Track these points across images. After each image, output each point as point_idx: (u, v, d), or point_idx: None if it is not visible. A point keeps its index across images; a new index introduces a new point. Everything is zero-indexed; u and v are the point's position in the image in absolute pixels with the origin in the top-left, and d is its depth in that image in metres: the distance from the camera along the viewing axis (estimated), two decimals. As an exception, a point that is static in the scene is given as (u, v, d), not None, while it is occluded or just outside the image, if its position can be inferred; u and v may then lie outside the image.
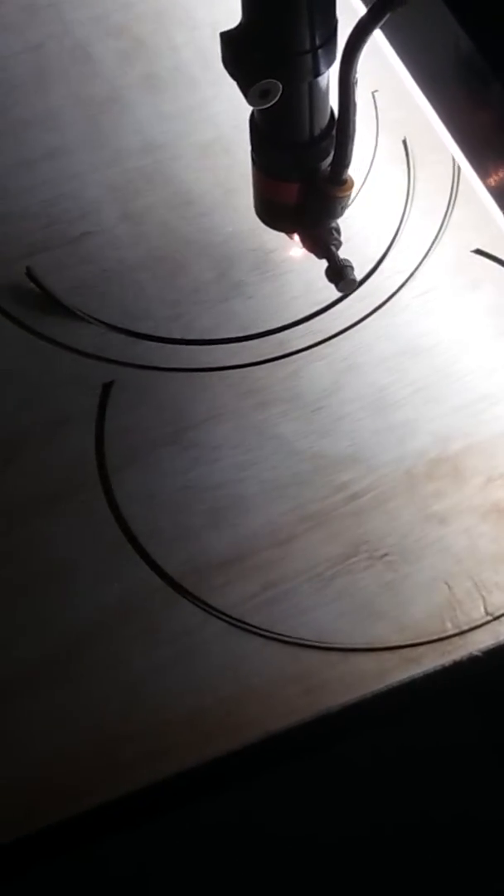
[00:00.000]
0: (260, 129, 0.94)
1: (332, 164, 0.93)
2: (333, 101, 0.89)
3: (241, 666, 0.93)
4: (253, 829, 0.96)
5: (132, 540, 0.98)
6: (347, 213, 1.12)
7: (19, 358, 1.07)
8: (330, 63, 0.86)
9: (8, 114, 1.21)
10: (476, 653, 0.93)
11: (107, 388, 1.05)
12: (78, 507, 0.99)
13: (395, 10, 0.77)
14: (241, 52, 0.84)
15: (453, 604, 0.95)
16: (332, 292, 1.05)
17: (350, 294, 1.08)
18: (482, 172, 0.93)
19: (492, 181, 0.91)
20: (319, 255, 1.00)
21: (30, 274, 1.10)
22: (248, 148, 0.96)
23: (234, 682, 0.92)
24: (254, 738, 0.90)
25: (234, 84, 0.85)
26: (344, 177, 0.94)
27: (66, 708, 0.91)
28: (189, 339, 1.08)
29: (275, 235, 1.06)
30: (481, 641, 0.93)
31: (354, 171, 1.13)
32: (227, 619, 0.94)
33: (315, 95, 0.89)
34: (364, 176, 1.16)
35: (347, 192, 0.96)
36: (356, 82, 0.83)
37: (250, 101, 0.85)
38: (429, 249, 1.12)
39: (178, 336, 1.08)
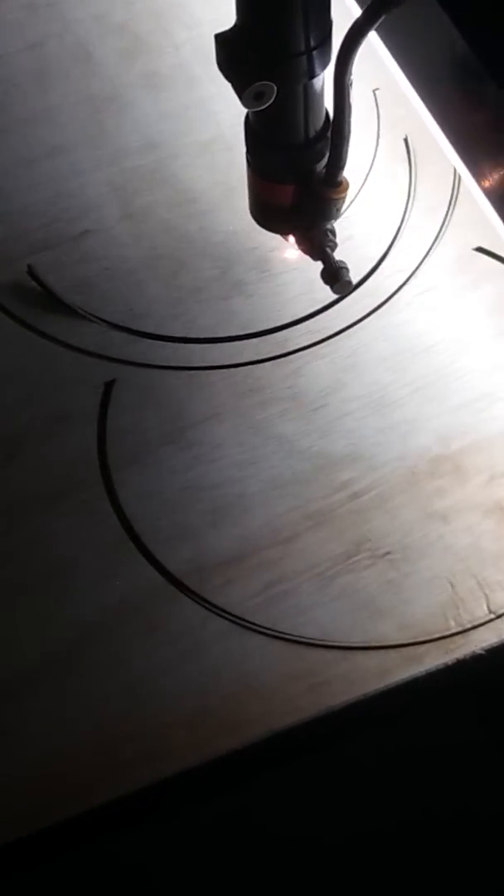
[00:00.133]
0: (255, 131, 0.94)
1: (327, 165, 0.93)
2: (329, 103, 0.89)
3: (243, 664, 0.93)
4: (255, 828, 0.96)
5: (134, 538, 0.97)
6: (349, 211, 1.12)
7: (20, 356, 1.06)
8: (325, 65, 0.86)
9: (8, 112, 1.21)
10: (479, 651, 0.93)
11: (108, 386, 1.04)
12: (79, 506, 0.99)
13: (390, 12, 0.77)
14: (235, 53, 0.84)
15: (456, 602, 0.95)
16: (333, 291, 1.05)
17: (348, 295, 1.08)
18: (477, 174, 0.93)
19: (486, 183, 0.90)
20: (315, 257, 1.00)
21: (31, 272, 1.10)
22: (247, 147, 0.96)
23: (237, 680, 0.92)
24: (256, 737, 0.90)
25: (231, 84, 0.85)
26: (339, 178, 0.94)
27: (67, 707, 0.91)
28: (190, 337, 1.08)
29: (275, 234, 1.06)
30: (484, 640, 0.93)
31: (355, 169, 1.14)
32: (229, 617, 0.94)
33: (310, 97, 0.89)
34: (365, 174, 1.16)
35: (342, 194, 0.96)
36: (351, 84, 0.83)
37: (245, 103, 0.85)
38: (430, 248, 1.12)
39: (179, 334, 1.08)
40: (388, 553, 0.97)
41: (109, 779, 0.89)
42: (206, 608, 0.95)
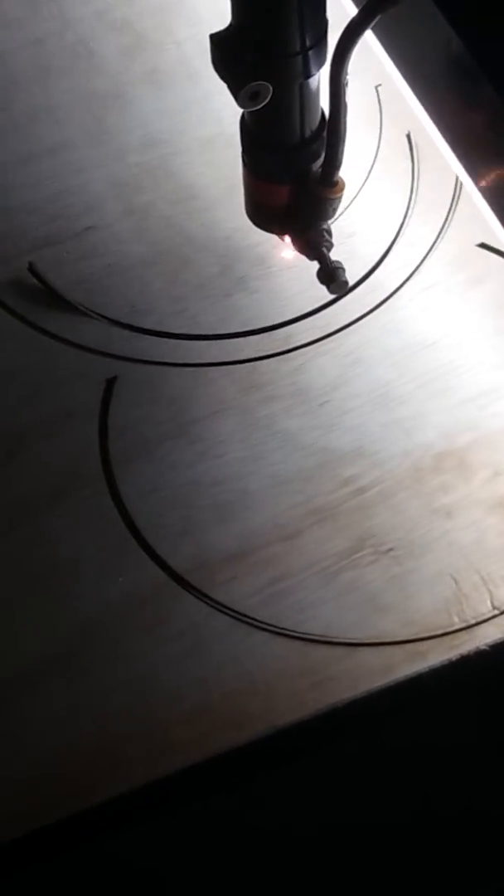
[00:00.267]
0: (250, 131, 0.94)
1: (323, 165, 0.93)
2: (325, 103, 0.88)
3: (246, 661, 0.93)
4: (257, 825, 0.95)
5: (137, 534, 0.97)
6: (351, 207, 1.12)
7: (23, 353, 1.06)
8: (320, 64, 0.86)
9: (10, 109, 1.21)
10: (483, 647, 0.93)
11: (110, 383, 1.04)
12: (81, 503, 0.99)
13: (385, 12, 0.77)
14: (230, 54, 0.84)
15: (460, 598, 0.94)
16: (337, 286, 1.05)
17: (345, 295, 1.07)
18: (473, 173, 0.93)
19: (483, 182, 0.90)
20: (311, 257, 1.00)
21: (32, 269, 1.09)
22: (250, 144, 0.96)
23: (239, 677, 0.92)
24: (260, 733, 0.90)
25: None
26: (335, 178, 0.94)
27: (70, 703, 0.91)
28: (193, 333, 1.08)
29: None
30: (488, 636, 0.93)
31: (357, 165, 1.14)
32: (233, 613, 0.94)
33: (306, 97, 0.89)
34: (368, 170, 1.16)
35: (339, 194, 0.95)
36: (347, 84, 0.83)
37: (240, 103, 0.85)
38: (433, 243, 1.12)
39: (181, 331, 1.08)
40: (391, 549, 0.97)
41: (112, 776, 0.89)
42: (208, 605, 0.95)
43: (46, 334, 1.07)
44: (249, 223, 1.04)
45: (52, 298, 1.09)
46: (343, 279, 0.99)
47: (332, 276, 0.99)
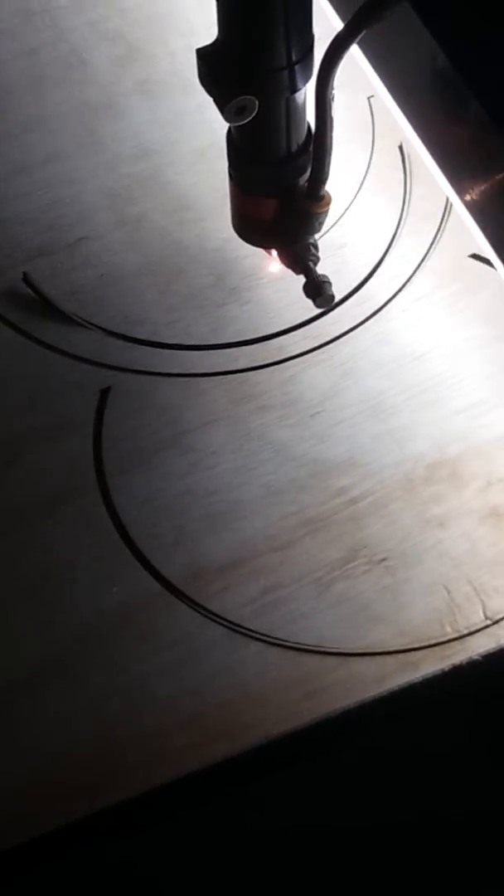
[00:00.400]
0: (237, 145, 0.94)
1: (309, 179, 0.93)
2: (311, 117, 0.89)
3: (240, 671, 0.93)
4: (253, 834, 0.96)
5: (130, 545, 0.97)
6: (344, 218, 1.13)
7: (16, 363, 1.07)
8: (307, 79, 0.86)
9: (3, 120, 1.21)
10: (475, 657, 0.93)
11: (104, 393, 1.05)
12: (76, 512, 0.99)
13: (371, 27, 0.77)
14: (217, 68, 0.84)
15: (452, 608, 0.95)
16: (329, 297, 1.06)
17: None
18: (458, 187, 0.93)
19: (468, 196, 0.91)
20: (297, 271, 1.01)
21: (26, 279, 1.10)
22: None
23: (233, 686, 0.92)
24: (253, 743, 0.90)
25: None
26: (321, 193, 0.94)
27: (64, 712, 0.91)
28: (186, 344, 1.08)
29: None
30: (481, 646, 0.93)
31: (350, 176, 1.14)
32: (226, 623, 0.94)
33: (292, 111, 0.89)
34: (360, 181, 1.16)
35: (325, 209, 0.96)
36: (333, 98, 0.83)
37: (227, 117, 0.85)
38: (425, 254, 1.12)
39: (175, 341, 1.08)
40: (384, 559, 0.97)
41: (106, 784, 0.89)
42: (202, 614, 0.95)
43: (41, 344, 1.07)
44: (243, 233, 1.05)
45: (46, 308, 1.09)
46: (329, 293, 0.99)
47: (318, 290, 0.99)
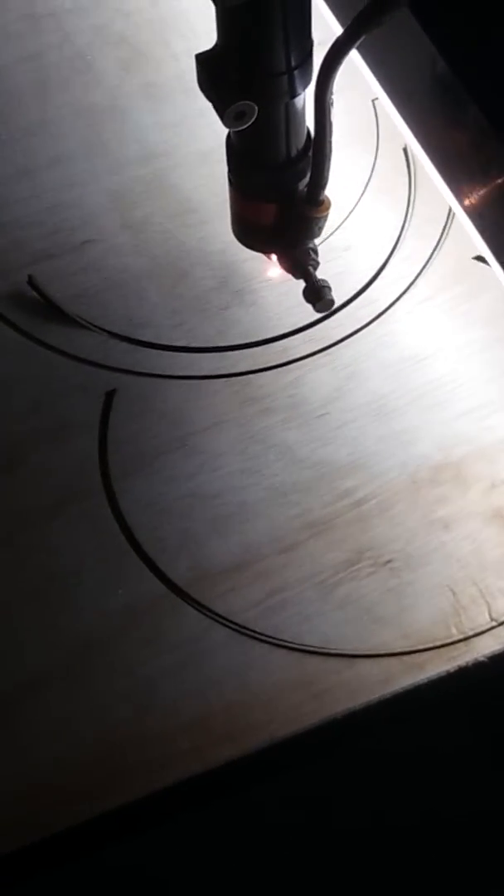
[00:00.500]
0: (236, 150, 0.94)
1: (308, 184, 0.93)
2: (310, 122, 0.89)
3: (245, 672, 0.93)
4: (258, 835, 0.96)
5: (136, 547, 0.98)
6: (348, 221, 1.13)
7: (21, 366, 1.07)
8: (306, 84, 0.86)
9: (8, 123, 1.21)
10: (481, 658, 0.93)
11: (109, 395, 1.05)
12: (81, 515, 0.99)
13: (370, 32, 0.77)
14: (216, 73, 0.84)
15: (458, 609, 0.95)
16: (335, 298, 1.05)
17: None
18: (457, 192, 0.93)
19: (467, 201, 0.91)
20: (297, 276, 1.01)
21: (31, 282, 1.10)
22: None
23: (239, 688, 0.92)
24: (259, 745, 0.90)
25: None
26: (321, 198, 0.94)
27: (70, 715, 0.91)
28: (190, 346, 1.08)
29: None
30: (486, 647, 0.93)
31: (354, 179, 1.14)
32: (232, 625, 0.94)
33: (291, 116, 0.89)
34: (365, 184, 1.16)
35: (324, 213, 0.96)
36: (332, 103, 0.83)
37: (226, 122, 0.85)
38: (429, 257, 1.12)
39: (179, 344, 1.08)
40: (389, 561, 0.97)
41: (114, 785, 0.89)
42: (208, 617, 0.95)
43: (45, 347, 1.07)
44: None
45: (50, 311, 1.09)
46: (329, 297, 0.99)
47: (318, 295, 0.99)
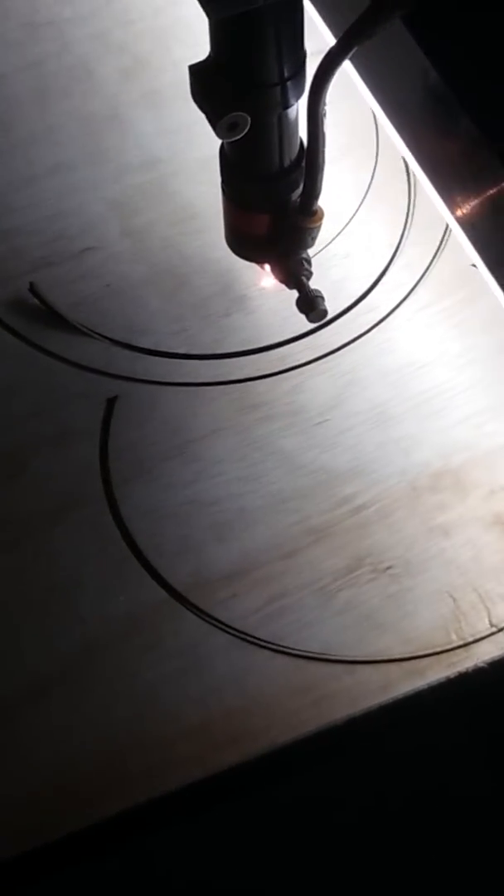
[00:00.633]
0: (229, 161, 0.94)
1: (301, 195, 0.93)
2: (303, 132, 0.89)
3: (246, 679, 0.93)
4: (259, 841, 0.96)
5: (137, 553, 0.98)
6: (349, 228, 1.13)
7: (23, 373, 1.07)
8: (299, 95, 0.86)
9: (9, 131, 1.21)
10: (481, 664, 0.93)
11: (110, 402, 1.05)
12: (82, 521, 1.00)
13: (362, 44, 0.77)
14: (209, 84, 0.84)
15: (458, 615, 0.95)
16: (335, 306, 1.07)
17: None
18: (450, 203, 0.93)
19: (459, 212, 0.91)
20: (290, 286, 1.01)
21: (33, 289, 1.10)
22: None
23: (240, 694, 0.93)
24: (260, 751, 0.91)
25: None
26: (314, 208, 0.94)
27: (71, 721, 0.92)
28: (191, 353, 1.09)
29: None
30: (486, 653, 0.94)
31: (355, 186, 1.15)
32: (232, 631, 0.95)
33: (284, 127, 0.89)
34: (365, 191, 1.17)
35: (317, 224, 0.96)
36: (325, 114, 0.83)
37: (219, 133, 0.85)
38: (430, 263, 1.13)
39: (180, 350, 1.09)
40: (389, 567, 0.98)
41: (115, 791, 0.89)
42: (208, 623, 0.95)
43: (47, 354, 1.08)
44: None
45: (52, 318, 1.09)
46: (322, 308, 0.99)
47: (311, 305, 0.99)
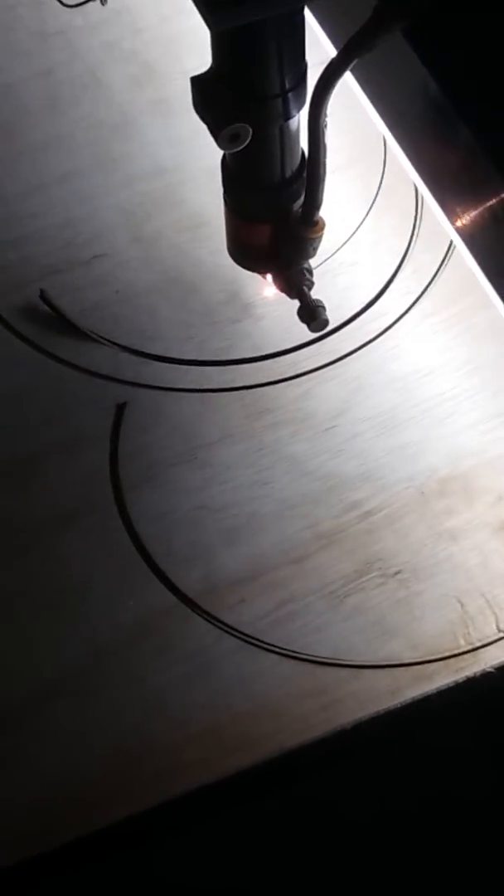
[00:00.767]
0: (231, 172, 0.95)
1: (303, 205, 0.93)
2: (304, 143, 0.89)
3: (255, 683, 0.94)
4: (267, 845, 0.96)
5: (147, 559, 0.98)
6: (356, 236, 1.13)
7: (34, 379, 1.08)
8: (300, 106, 0.86)
9: (19, 139, 1.22)
10: (489, 669, 0.94)
11: (120, 408, 1.06)
12: (93, 527, 1.00)
13: (362, 56, 0.77)
14: (211, 95, 0.84)
15: (466, 620, 0.96)
16: (342, 313, 1.07)
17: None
18: (450, 213, 0.94)
19: (459, 222, 0.91)
20: (292, 296, 1.01)
21: (43, 296, 1.11)
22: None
23: (249, 698, 0.93)
24: (268, 755, 0.91)
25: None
26: (315, 218, 0.94)
27: (80, 725, 0.92)
28: (201, 359, 1.09)
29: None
30: (494, 658, 0.94)
31: (362, 194, 1.15)
32: (242, 636, 0.95)
33: (286, 138, 0.89)
34: (372, 199, 1.17)
35: (319, 234, 0.96)
36: (326, 125, 0.83)
37: (221, 144, 0.85)
38: (437, 270, 1.13)
39: (190, 357, 1.09)
40: (398, 572, 0.98)
41: (121, 797, 0.89)
42: (218, 627, 0.96)
43: (57, 360, 1.08)
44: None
45: (62, 325, 1.10)
46: (323, 317, 0.99)
47: (312, 315, 1.00)
